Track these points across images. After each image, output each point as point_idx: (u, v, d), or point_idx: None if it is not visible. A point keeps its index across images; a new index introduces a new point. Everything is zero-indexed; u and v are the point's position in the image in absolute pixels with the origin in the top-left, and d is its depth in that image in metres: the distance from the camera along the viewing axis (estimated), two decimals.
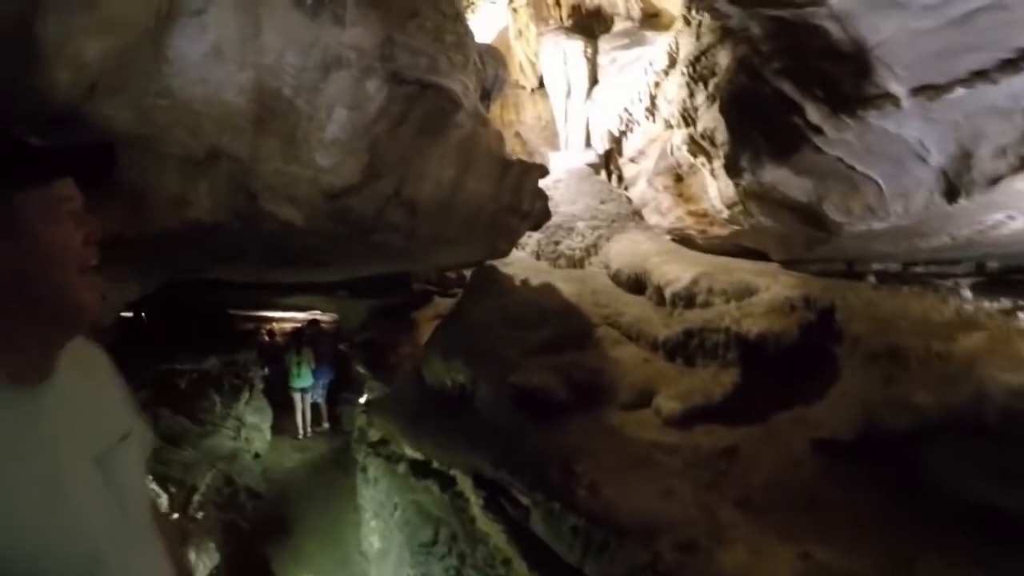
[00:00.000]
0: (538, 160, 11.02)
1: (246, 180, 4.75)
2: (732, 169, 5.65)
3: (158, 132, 3.71)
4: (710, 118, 6.30)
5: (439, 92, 5.15)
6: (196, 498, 8.93)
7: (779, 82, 4.61)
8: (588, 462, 5.56)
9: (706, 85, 6.39)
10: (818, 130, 4.65)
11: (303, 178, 4.97)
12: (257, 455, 10.76)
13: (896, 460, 4.55)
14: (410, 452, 7.46)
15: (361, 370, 10.82)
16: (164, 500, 8.15)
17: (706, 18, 6.30)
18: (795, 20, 3.89)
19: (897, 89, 3.94)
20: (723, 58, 6.11)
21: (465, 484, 6.60)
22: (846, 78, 4.04)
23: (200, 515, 8.64)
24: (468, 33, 5.89)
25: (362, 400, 10.83)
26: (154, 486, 8.22)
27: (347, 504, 9.54)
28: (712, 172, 6.75)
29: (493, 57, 6.60)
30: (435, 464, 7.00)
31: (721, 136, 6.02)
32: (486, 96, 6.75)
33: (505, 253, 6.82)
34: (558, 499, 5.28)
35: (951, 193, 4.56)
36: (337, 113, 4.90)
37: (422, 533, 6.95)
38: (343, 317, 11.98)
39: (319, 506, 9.78)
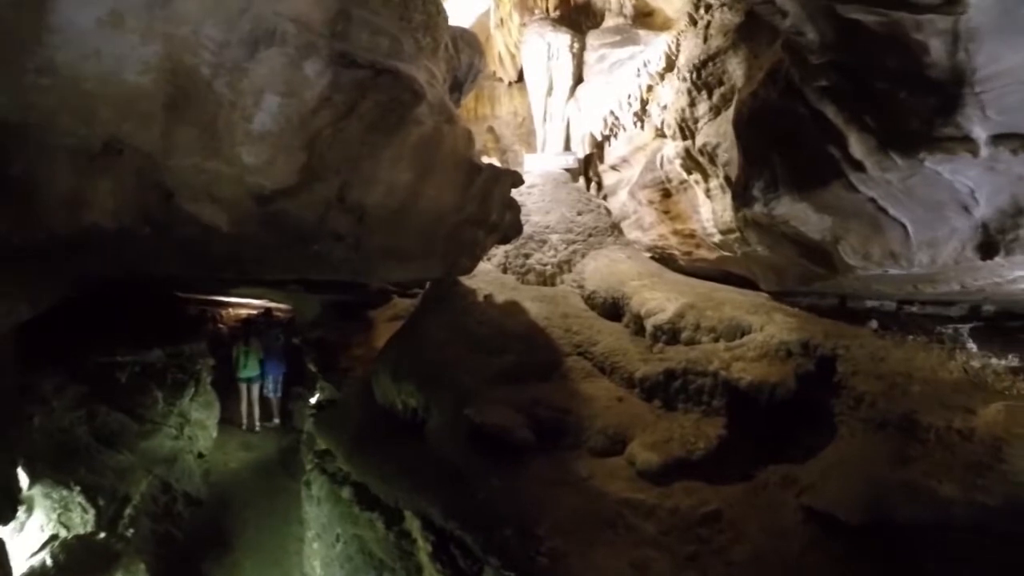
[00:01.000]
0: (511, 158, 9.84)
1: (158, 177, 3.62)
2: (740, 195, 4.60)
3: (41, 118, 3.02)
4: (712, 132, 5.24)
5: (397, 80, 3.99)
6: (128, 511, 7.64)
7: (821, 103, 3.57)
8: (550, 523, 4.65)
9: (710, 94, 5.32)
10: (858, 166, 3.72)
11: (226, 177, 3.90)
12: (201, 455, 9.51)
13: (904, 550, 3.84)
14: (355, 476, 6.35)
15: (312, 368, 9.64)
16: (91, 516, 6.89)
17: (716, 18, 5.21)
18: (881, 30, 2.83)
19: (979, 134, 2.99)
20: (734, 66, 5.05)
21: (413, 524, 5.54)
22: (918, 112, 3.03)
23: (130, 532, 7.39)
24: (441, 13, 4.71)
25: (312, 400, 9.67)
26: (81, 500, 6.95)
27: (292, 514, 8.47)
28: (707, 192, 5.71)
29: (469, 43, 5.42)
30: (381, 497, 5.90)
31: (727, 155, 4.97)
32: (457, 87, 5.59)
33: (468, 270, 5.70)
34: (514, 568, 4.35)
35: (988, 249, 3.82)
36: (267, 100, 3.79)
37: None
38: (297, 310, 10.73)
39: (262, 516, 8.66)
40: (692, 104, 5.51)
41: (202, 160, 3.72)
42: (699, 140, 5.47)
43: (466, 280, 6.60)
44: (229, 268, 5.10)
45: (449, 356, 6.00)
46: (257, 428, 10.70)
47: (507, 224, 5.61)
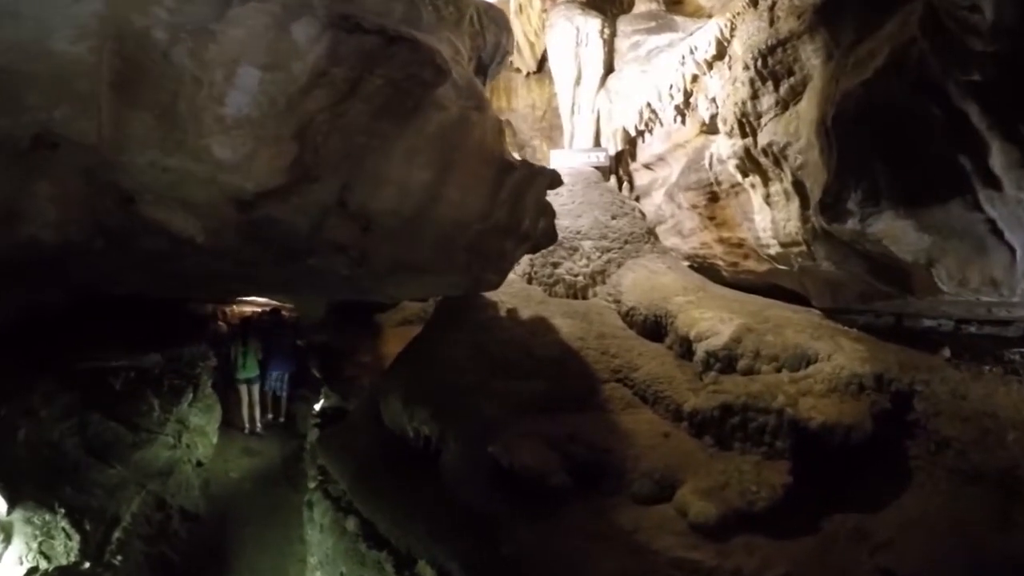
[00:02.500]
0: (528, 154, 8.79)
1: (111, 177, 2.73)
2: (829, 208, 3.63)
3: None
4: (780, 129, 4.25)
5: (415, 52, 2.99)
6: (116, 535, 6.60)
7: (965, 102, 2.71)
8: None
9: (777, 86, 4.31)
10: (993, 181, 2.98)
11: (195, 177, 2.90)
12: (200, 463, 8.52)
13: None
14: (361, 511, 5.38)
15: (316, 373, 8.66)
16: (76, 544, 5.90)
17: None
18: None
19: None
20: (809, 53, 4.04)
21: (427, 571, 4.58)
22: None
23: (119, 559, 6.38)
24: None
25: (317, 407, 8.69)
26: (65, 524, 5.95)
27: (293, 531, 7.50)
28: (767, 198, 4.71)
29: (495, 20, 4.38)
30: (392, 540, 4.94)
31: (800, 157, 4.01)
32: (482, 71, 4.57)
33: (494, 286, 4.70)
34: None
35: None
36: (243, 75, 2.77)
37: None
38: (302, 311, 9.72)
39: (262, 532, 7.69)
40: (755, 97, 4.50)
41: (162, 155, 2.73)
42: (762, 138, 4.46)
43: (486, 292, 5.60)
44: (207, 287, 4.11)
45: (468, 380, 5.02)
46: (259, 430, 9.72)
47: (540, 233, 4.60)
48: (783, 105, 4.34)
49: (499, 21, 4.47)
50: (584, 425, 4.67)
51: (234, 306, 11.58)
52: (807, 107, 4.07)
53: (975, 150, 2.89)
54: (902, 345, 4.69)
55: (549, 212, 4.70)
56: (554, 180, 4.46)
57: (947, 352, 4.61)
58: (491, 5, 4.59)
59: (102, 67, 2.43)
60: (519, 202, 4.14)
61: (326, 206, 3.34)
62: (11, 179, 2.57)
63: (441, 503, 4.63)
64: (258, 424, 9.71)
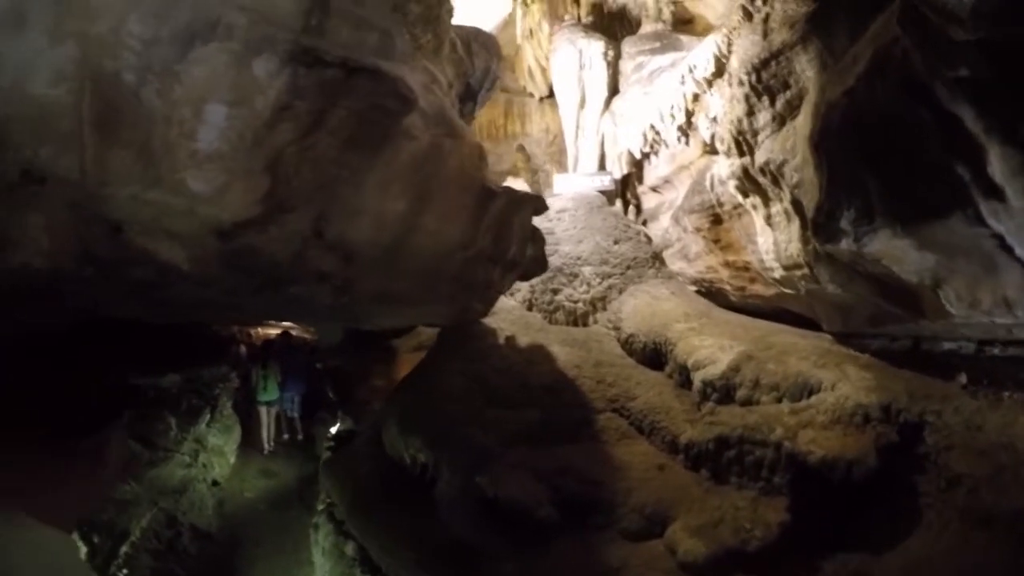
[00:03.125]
0: (542, 178, 8.71)
1: (98, 209, 2.84)
2: (822, 228, 3.40)
3: None
4: (777, 147, 4.04)
5: (377, 82, 2.96)
6: (124, 549, 6.69)
7: (955, 103, 2.43)
8: None
9: (773, 101, 4.12)
10: (994, 191, 2.64)
11: (175, 209, 2.95)
12: (215, 483, 8.59)
13: None
14: (357, 537, 5.29)
15: (331, 396, 8.67)
16: (83, 553, 5.98)
17: (778, 9, 4.01)
18: None
19: None
20: (803, 65, 3.84)
21: None
22: None
23: (125, 572, 6.44)
24: (444, 4, 3.64)
25: (333, 430, 8.69)
26: (75, 538, 6.04)
27: (303, 554, 7.44)
28: (768, 219, 4.49)
29: (484, 46, 4.35)
30: (383, 568, 4.84)
31: (796, 175, 3.78)
32: (471, 96, 4.53)
33: (480, 315, 4.60)
34: None
35: None
36: (211, 112, 2.81)
37: None
38: (320, 335, 9.79)
39: (273, 553, 7.63)
40: (750, 113, 4.31)
41: (142, 189, 2.83)
42: (759, 157, 4.26)
43: (487, 319, 5.49)
44: (197, 314, 4.16)
45: (464, 409, 4.90)
46: (270, 448, 9.78)
47: (529, 260, 4.48)
48: (780, 121, 4.14)
49: (489, 47, 4.44)
50: (576, 456, 4.49)
51: (259, 328, 11.78)
52: (803, 122, 3.85)
53: (972, 157, 2.60)
54: (917, 371, 4.28)
55: (538, 239, 4.58)
56: (539, 206, 4.35)
57: (964, 378, 4.19)
58: (480, 31, 4.58)
59: (82, 107, 2.53)
60: (504, 230, 4.04)
61: (304, 236, 3.34)
62: (3, 210, 2.67)
63: (432, 532, 4.51)
64: (272, 443, 9.76)
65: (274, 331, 11.68)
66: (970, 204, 2.71)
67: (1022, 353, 4.33)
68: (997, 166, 2.53)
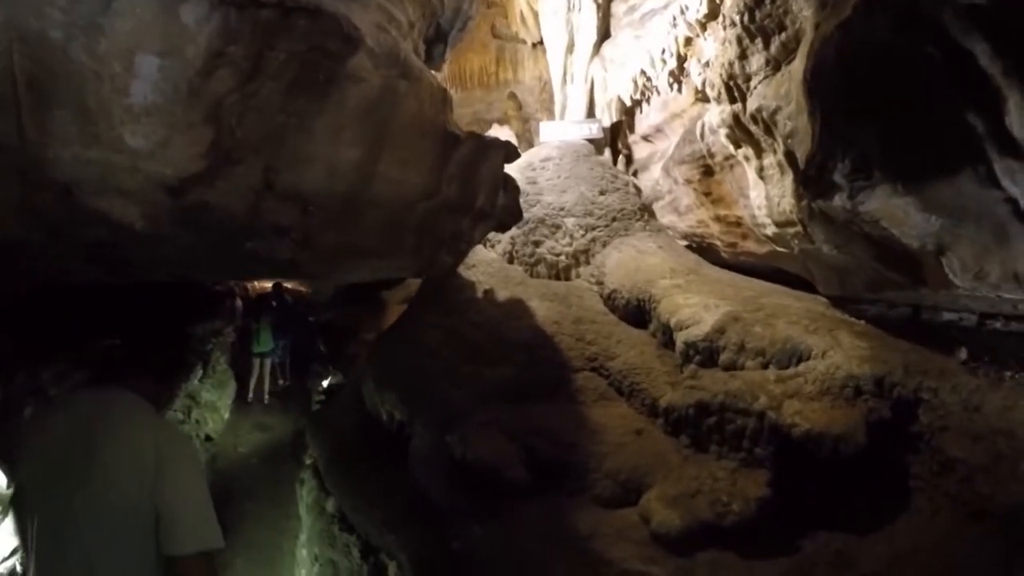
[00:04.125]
0: (534, 127, 8.28)
1: (46, 172, 2.68)
2: (813, 181, 3.06)
3: None
4: (770, 92, 3.65)
5: (315, 22, 2.62)
6: None
7: (968, 38, 2.07)
8: None
9: (767, 43, 3.69)
10: (1012, 147, 2.28)
11: (119, 167, 2.69)
12: (209, 438, 8.59)
13: None
14: (333, 494, 5.21)
15: (322, 349, 8.56)
16: None
17: None
18: None
19: None
20: (801, 4, 3.40)
21: (389, 564, 4.36)
22: None
23: None
24: None
25: (325, 383, 8.63)
26: None
27: (292, 508, 7.46)
28: (760, 171, 4.13)
29: None
30: (355, 526, 4.75)
31: (790, 123, 3.41)
32: (442, 38, 4.12)
33: (450, 268, 4.32)
34: None
35: None
36: (142, 64, 2.54)
37: None
38: (312, 288, 9.62)
39: (262, 508, 7.66)
40: (743, 57, 3.89)
41: (83, 149, 2.60)
42: (752, 103, 3.87)
43: (465, 271, 5.22)
44: (155, 272, 3.95)
45: (439, 365, 4.69)
46: (265, 400, 9.76)
47: (501, 209, 4.17)
48: (774, 65, 3.71)
49: None
50: (551, 417, 4.27)
51: (255, 282, 11.63)
52: (798, 65, 3.45)
53: (987, 105, 2.23)
54: (915, 342, 3.99)
55: (511, 187, 4.24)
56: (510, 153, 3.99)
57: (964, 353, 3.89)
58: None
59: (14, 70, 2.34)
60: (471, 178, 3.71)
61: (256, 189, 3.10)
62: None
63: (403, 490, 4.38)
64: (265, 395, 9.73)
65: (269, 284, 11.56)
66: (982, 161, 2.35)
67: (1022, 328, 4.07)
68: (1017, 116, 2.16)
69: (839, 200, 3.03)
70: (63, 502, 1.56)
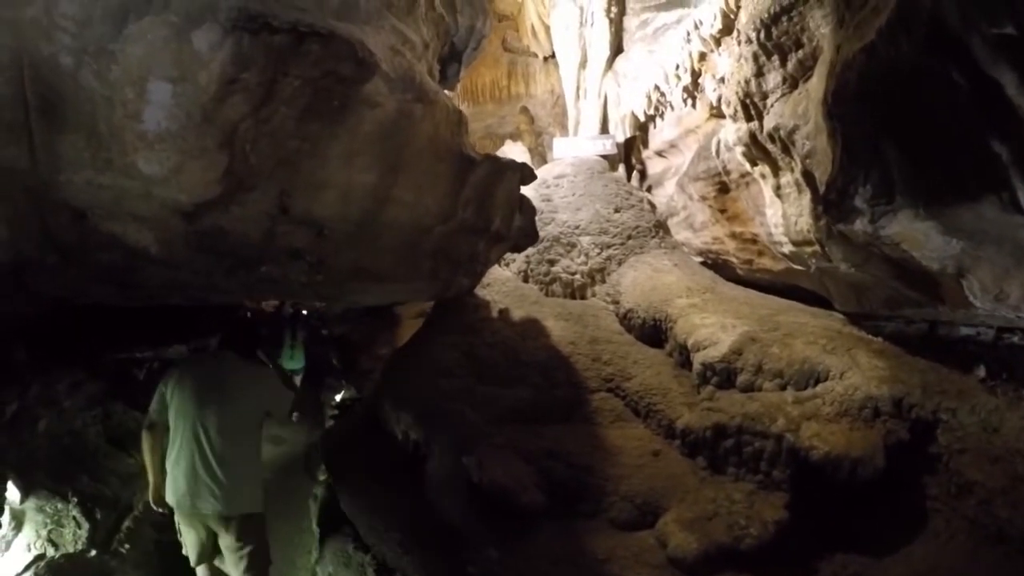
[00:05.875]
0: (546, 141, 8.23)
1: (58, 196, 2.71)
2: (834, 205, 3.01)
3: None
4: (788, 111, 3.59)
5: (329, 47, 2.60)
6: (126, 524, 6.63)
7: (996, 67, 2.00)
8: None
9: (784, 61, 3.64)
10: None
11: (133, 192, 2.70)
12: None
13: None
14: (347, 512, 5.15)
15: (335, 364, 8.53)
16: (84, 532, 5.93)
17: None
18: None
19: None
20: (818, 20, 3.36)
21: None
22: None
23: (127, 547, 6.40)
24: None
25: (338, 398, 8.59)
26: (76, 513, 6.00)
27: (305, 522, 7.41)
28: (777, 189, 4.06)
29: (469, 2, 3.89)
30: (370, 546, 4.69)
31: (808, 143, 3.36)
32: (456, 57, 4.10)
33: (467, 289, 4.28)
34: None
35: None
36: (154, 91, 2.53)
37: None
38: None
39: (275, 521, 7.54)
40: (759, 74, 3.83)
41: (95, 175, 2.60)
42: (768, 121, 3.81)
43: (480, 290, 5.18)
44: (172, 295, 3.95)
45: (454, 385, 4.64)
46: (294, 418, 9.70)
47: (516, 231, 4.13)
48: (791, 83, 3.66)
49: (474, 3, 3.93)
50: (567, 438, 4.21)
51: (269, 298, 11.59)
52: (816, 84, 3.38)
53: (1013, 132, 2.17)
54: (932, 359, 3.95)
55: (526, 208, 4.19)
56: (526, 175, 3.96)
57: (982, 371, 3.84)
58: None
59: (26, 95, 2.36)
60: (487, 200, 3.67)
61: (270, 214, 3.09)
62: None
63: (419, 513, 4.33)
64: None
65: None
66: (1006, 188, 2.29)
67: None
68: None
69: (860, 224, 2.97)
70: (205, 409, 2.87)
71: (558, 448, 4.14)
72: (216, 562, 3.20)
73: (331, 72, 2.65)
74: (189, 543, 3.13)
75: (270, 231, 3.15)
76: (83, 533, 5.80)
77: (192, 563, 3.19)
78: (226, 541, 2.99)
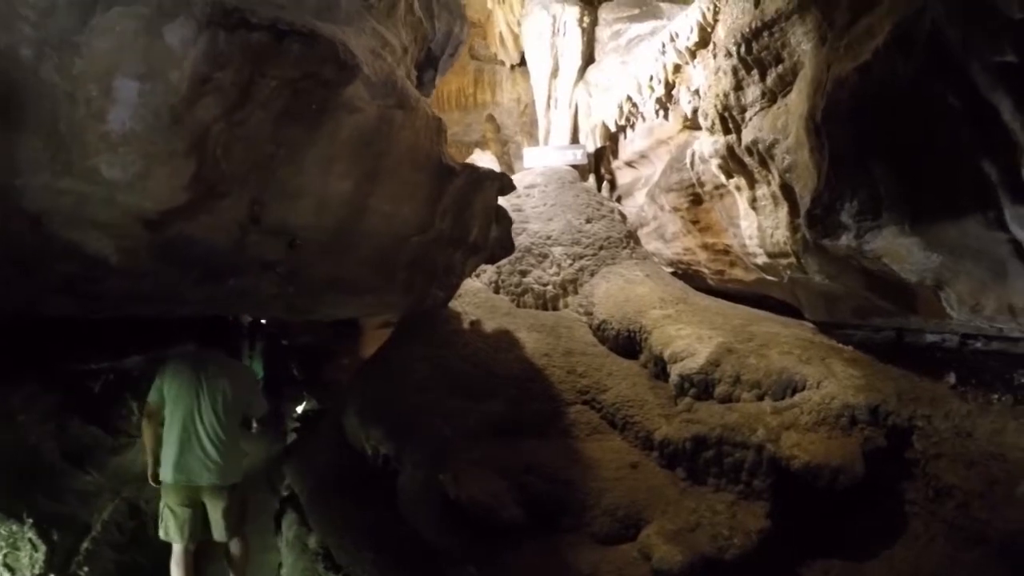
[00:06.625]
0: (512, 150, 8.13)
1: (15, 202, 2.45)
2: (819, 220, 2.99)
3: None
4: (766, 125, 3.59)
5: (310, 47, 2.41)
6: (85, 545, 6.11)
7: (994, 93, 1.99)
8: None
9: (763, 76, 3.64)
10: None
11: (93, 198, 2.45)
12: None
13: None
14: (316, 532, 4.89)
15: (296, 375, 8.19)
16: (41, 555, 5.44)
17: None
18: None
19: None
20: (799, 37, 3.36)
21: None
22: None
23: (86, 569, 5.91)
24: None
25: (299, 409, 8.23)
26: (32, 535, 5.50)
27: (269, 539, 7.05)
28: (752, 202, 4.06)
29: (447, 7, 3.72)
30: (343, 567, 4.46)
31: (788, 157, 3.35)
32: (432, 63, 3.95)
33: (442, 303, 4.13)
34: None
35: None
36: (120, 89, 2.30)
37: None
38: None
39: None
40: (738, 88, 3.82)
41: (53, 178, 2.34)
42: (747, 135, 3.80)
43: (451, 302, 5.01)
44: (134, 307, 3.65)
45: (425, 399, 4.46)
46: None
47: (493, 242, 4.00)
48: (770, 97, 3.66)
49: (452, 7, 3.80)
50: (544, 452, 4.08)
51: None
52: (797, 99, 3.39)
53: (1005, 155, 2.19)
54: (901, 366, 3.99)
55: (503, 219, 4.07)
56: (505, 185, 3.84)
57: (952, 378, 3.93)
58: None
59: None
60: (465, 210, 3.54)
61: (241, 223, 2.86)
62: None
63: (393, 530, 4.12)
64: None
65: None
66: (993, 207, 2.30)
67: (1006, 348, 4.03)
68: None
69: (845, 239, 2.98)
70: (199, 396, 3.31)
71: (535, 462, 4.00)
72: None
73: (312, 74, 2.46)
74: (182, 519, 3.52)
75: (240, 241, 2.92)
76: (40, 556, 5.33)
77: (182, 540, 3.60)
78: (217, 507, 3.50)
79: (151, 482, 3.76)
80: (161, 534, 3.68)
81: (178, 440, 3.37)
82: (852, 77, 2.44)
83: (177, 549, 3.69)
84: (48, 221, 2.42)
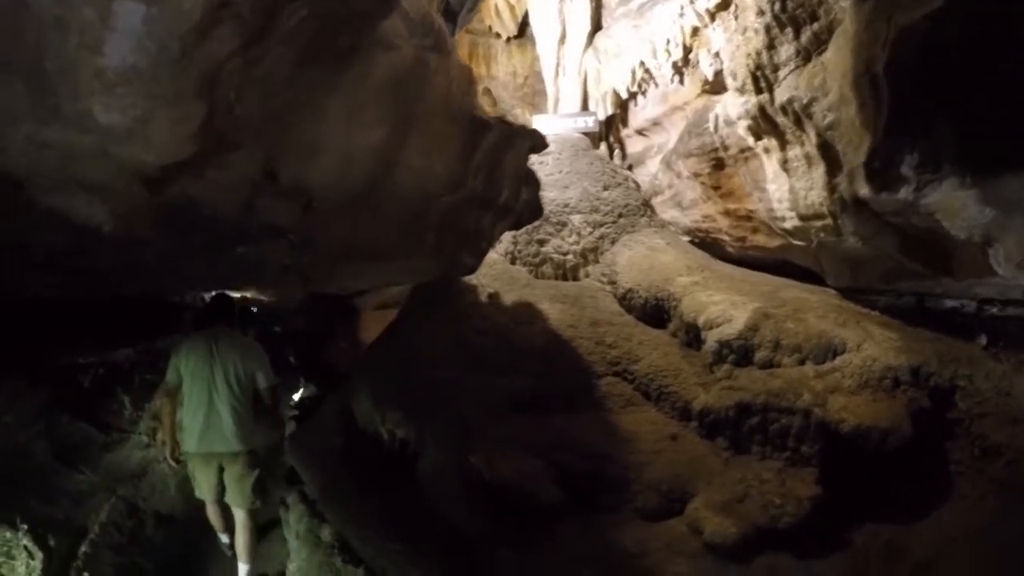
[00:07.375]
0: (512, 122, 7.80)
1: None
2: (879, 175, 2.81)
3: None
4: (803, 83, 3.41)
5: None
6: (83, 549, 5.69)
7: None
8: None
9: (798, 33, 3.47)
10: None
11: (84, 151, 2.00)
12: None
13: None
14: (332, 523, 4.57)
15: (292, 361, 7.80)
16: (38, 562, 5.03)
17: None
18: None
19: None
20: None
21: None
22: None
23: (86, 574, 5.51)
24: None
25: (296, 396, 7.85)
26: (27, 542, 5.08)
27: (273, 531, 6.71)
28: (784, 164, 3.87)
29: None
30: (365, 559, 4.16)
31: (830, 115, 3.20)
32: (451, 18, 3.63)
33: (470, 270, 3.83)
34: None
35: None
36: (122, 13, 1.82)
37: None
38: (279, 295, 8.79)
39: None
40: (771, 47, 3.63)
41: (37, 127, 1.87)
42: (780, 95, 3.60)
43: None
44: (127, 284, 3.24)
45: (445, 376, 4.19)
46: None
47: (522, 205, 3.71)
48: (805, 55, 3.48)
49: None
50: (577, 427, 3.86)
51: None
52: (836, 57, 3.22)
53: None
54: (928, 329, 3.94)
55: (533, 181, 3.80)
56: (537, 142, 3.57)
57: (983, 340, 3.85)
58: None
59: None
60: (495, 169, 3.25)
61: (255, 181, 2.47)
62: None
63: (416, 517, 3.85)
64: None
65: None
66: None
67: (1021, 313, 3.97)
68: None
69: (904, 192, 2.81)
70: (213, 371, 3.44)
71: (568, 438, 3.79)
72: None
73: (346, 7, 2.10)
74: (204, 485, 3.77)
75: (249, 203, 2.53)
76: (37, 564, 4.97)
77: (211, 501, 3.89)
78: (234, 472, 3.65)
79: (170, 461, 3.95)
80: (196, 494, 3.96)
81: (198, 411, 3.52)
82: (923, 27, 2.31)
83: (209, 506, 3.99)
84: (29, 185, 1.99)
